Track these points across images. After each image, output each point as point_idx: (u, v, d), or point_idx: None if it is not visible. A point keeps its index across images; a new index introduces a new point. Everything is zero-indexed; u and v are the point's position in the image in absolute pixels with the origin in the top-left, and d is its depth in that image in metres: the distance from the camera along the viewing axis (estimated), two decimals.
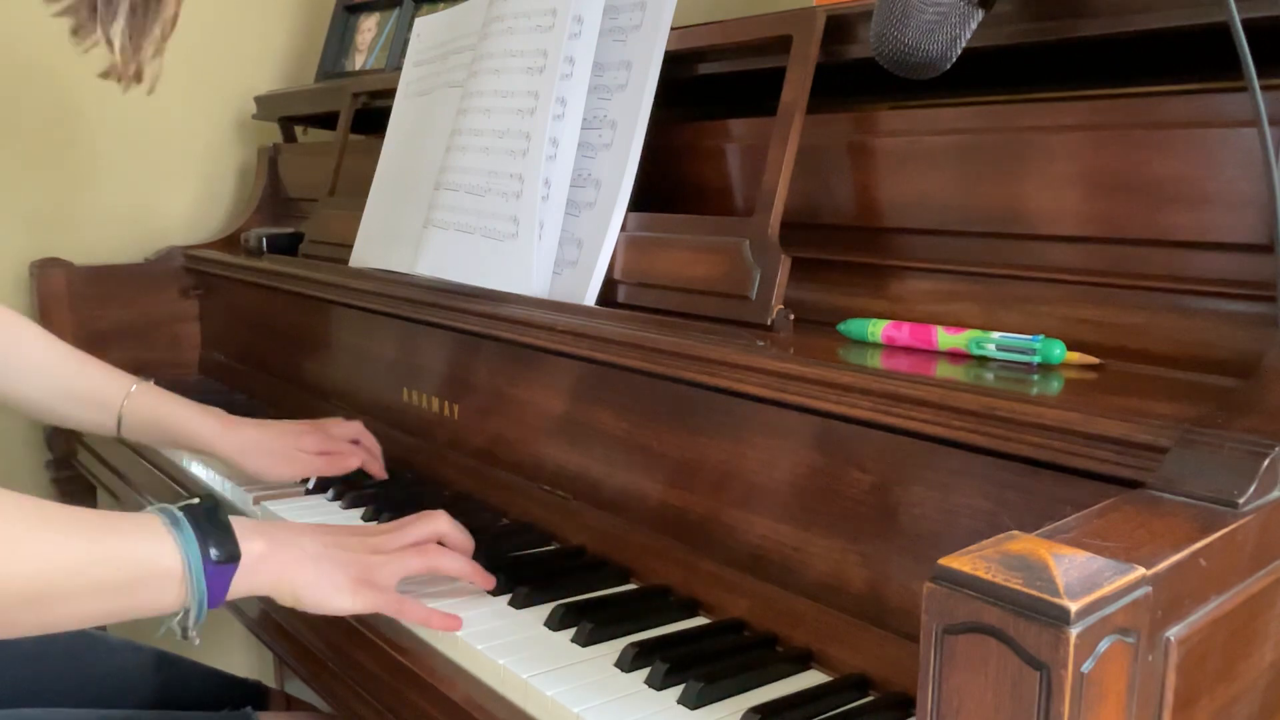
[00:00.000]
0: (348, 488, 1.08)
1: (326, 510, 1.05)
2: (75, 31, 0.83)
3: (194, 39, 1.77)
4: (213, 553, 0.73)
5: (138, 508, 0.80)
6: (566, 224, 1.00)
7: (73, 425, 1.18)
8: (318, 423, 1.13)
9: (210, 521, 0.74)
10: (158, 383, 1.17)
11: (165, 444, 1.16)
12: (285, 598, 0.78)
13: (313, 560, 0.78)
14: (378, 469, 1.12)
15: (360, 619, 0.84)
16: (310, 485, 1.10)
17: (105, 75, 0.85)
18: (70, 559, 0.67)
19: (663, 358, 0.83)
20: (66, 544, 0.68)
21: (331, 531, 0.82)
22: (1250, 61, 0.60)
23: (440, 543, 0.84)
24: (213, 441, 1.09)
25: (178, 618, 0.73)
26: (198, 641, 0.74)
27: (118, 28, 0.82)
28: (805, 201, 0.90)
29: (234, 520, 0.75)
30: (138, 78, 0.86)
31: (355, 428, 1.13)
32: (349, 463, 1.10)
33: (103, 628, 1.66)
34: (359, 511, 1.03)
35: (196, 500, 0.76)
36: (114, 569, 0.69)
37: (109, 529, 0.71)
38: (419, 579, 0.84)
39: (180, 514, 0.73)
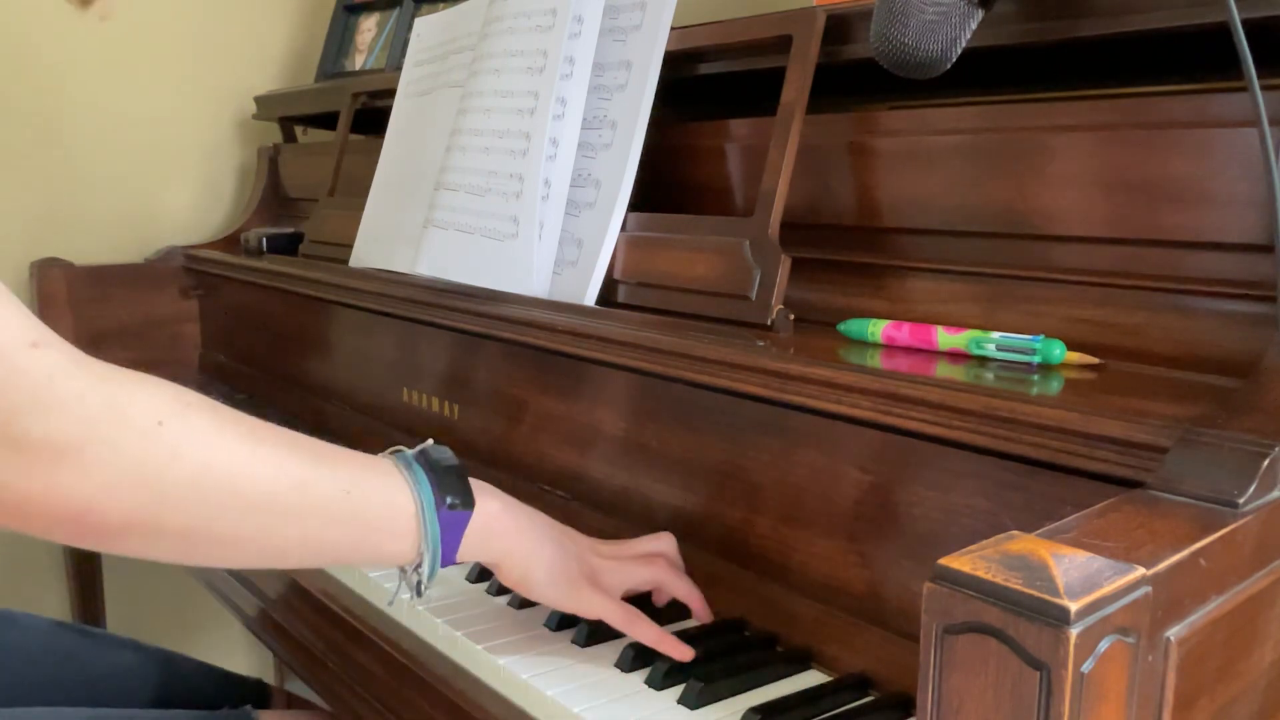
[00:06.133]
0: None
1: None
2: None
3: (194, 39, 1.78)
4: (447, 499, 0.67)
5: None
6: (566, 224, 1.00)
7: None
8: None
9: (444, 467, 0.69)
10: None
11: None
12: (513, 573, 0.72)
13: (552, 541, 0.73)
14: None
15: (359, 617, 0.84)
16: None
17: None
18: (296, 471, 0.62)
19: (663, 358, 0.82)
20: (291, 455, 0.62)
21: (554, 522, 0.76)
22: (1250, 61, 0.60)
23: None
24: None
25: (411, 570, 0.68)
26: (421, 607, 0.66)
27: None
28: (805, 201, 0.90)
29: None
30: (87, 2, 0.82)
31: None
32: None
33: (103, 625, 1.67)
34: None
35: (430, 442, 0.71)
36: (342, 493, 0.64)
37: (338, 455, 0.65)
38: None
39: (413, 458, 0.69)
